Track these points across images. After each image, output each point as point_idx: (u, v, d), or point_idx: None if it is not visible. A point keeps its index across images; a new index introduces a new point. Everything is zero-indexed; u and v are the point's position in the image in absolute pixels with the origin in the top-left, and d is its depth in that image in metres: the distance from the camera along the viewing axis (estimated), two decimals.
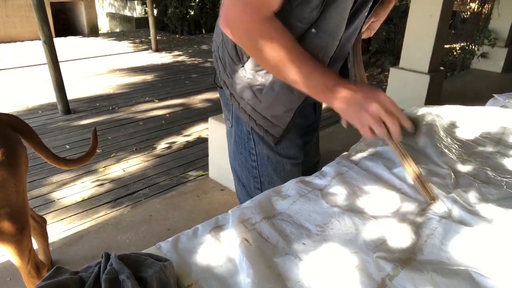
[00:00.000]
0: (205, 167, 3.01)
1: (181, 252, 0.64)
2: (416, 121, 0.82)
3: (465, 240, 0.65)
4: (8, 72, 6.41)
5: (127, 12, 12.66)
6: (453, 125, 1.18)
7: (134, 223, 2.17)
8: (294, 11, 0.80)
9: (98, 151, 3.31)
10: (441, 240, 0.66)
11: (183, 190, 2.57)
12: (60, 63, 4.41)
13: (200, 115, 4.61)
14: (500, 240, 0.65)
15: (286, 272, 0.59)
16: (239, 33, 0.82)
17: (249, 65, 0.93)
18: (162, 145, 3.82)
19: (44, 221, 1.78)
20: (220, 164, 2.52)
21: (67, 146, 3.74)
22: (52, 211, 2.69)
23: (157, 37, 8.52)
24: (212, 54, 1.07)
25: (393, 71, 3.77)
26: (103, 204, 2.79)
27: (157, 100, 5.19)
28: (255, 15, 0.78)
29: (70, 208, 2.74)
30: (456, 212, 0.73)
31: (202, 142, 3.84)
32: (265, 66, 0.87)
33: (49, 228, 1.88)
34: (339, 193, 0.79)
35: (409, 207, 0.75)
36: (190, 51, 8.50)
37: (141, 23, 11.50)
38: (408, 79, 3.63)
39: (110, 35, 10.70)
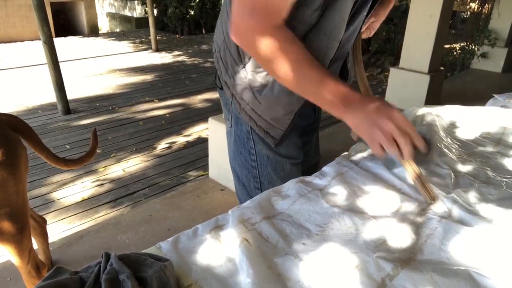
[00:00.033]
0: (205, 167, 3.01)
1: (181, 252, 0.64)
2: (429, 141, 0.81)
3: (465, 240, 0.65)
4: (8, 72, 6.41)
5: (127, 12, 12.66)
6: (453, 125, 1.18)
7: (134, 223, 2.17)
8: (295, 13, 0.80)
9: (98, 151, 3.31)
10: (441, 240, 0.66)
11: (183, 190, 2.57)
12: (60, 63, 4.41)
13: (200, 115, 4.61)
14: (500, 240, 0.65)
15: (286, 272, 0.59)
16: (249, 42, 0.80)
17: (250, 66, 0.93)
18: (162, 145, 3.83)
19: (44, 221, 1.78)
20: (220, 164, 2.52)
21: (67, 146, 3.74)
22: (52, 211, 2.69)
23: (157, 37, 8.52)
24: (213, 55, 1.07)
25: (393, 71, 3.77)
26: (103, 204, 2.79)
27: (157, 100, 5.19)
28: (264, 22, 0.77)
29: (70, 208, 2.74)
30: (456, 212, 0.73)
31: (202, 142, 3.84)
32: (276, 75, 0.84)
33: (49, 228, 1.88)
34: (339, 193, 0.79)
35: (409, 207, 0.75)
36: (190, 51, 8.50)
37: (141, 23, 11.50)
38: (408, 79, 3.63)
39: (110, 35, 10.70)
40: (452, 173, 0.87)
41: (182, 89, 5.75)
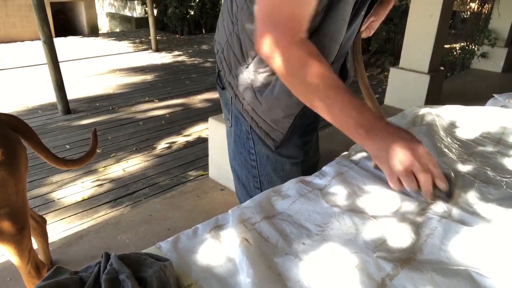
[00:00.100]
0: (205, 167, 3.01)
1: (181, 252, 0.64)
2: (451, 182, 0.78)
3: (465, 240, 0.65)
4: (8, 72, 6.41)
5: (127, 12, 12.66)
6: (453, 125, 1.18)
7: (134, 223, 2.17)
8: None
9: (98, 151, 3.31)
10: (441, 239, 0.66)
11: (183, 190, 2.57)
12: (60, 63, 4.41)
13: (200, 115, 4.62)
14: (500, 240, 0.65)
15: (286, 272, 0.59)
16: (273, 55, 0.77)
17: (253, 66, 0.93)
18: (162, 145, 3.83)
19: (44, 221, 1.78)
20: (220, 164, 2.52)
21: (67, 146, 3.74)
22: (52, 211, 2.69)
23: (157, 37, 8.53)
24: (216, 56, 1.06)
25: (393, 71, 3.78)
26: (103, 204, 2.79)
27: (157, 100, 5.19)
28: (289, 36, 0.75)
29: (70, 208, 2.74)
30: (456, 212, 0.73)
31: (202, 142, 3.84)
32: (296, 91, 0.81)
33: (49, 228, 1.88)
34: (339, 193, 0.79)
35: (409, 206, 0.75)
36: (190, 51, 8.51)
37: (141, 23, 11.50)
38: (408, 79, 3.63)
39: (110, 35, 10.70)
40: (452, 173, 0.87)
41: (182, 89, 5.75)
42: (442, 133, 1.09)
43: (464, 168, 0.92)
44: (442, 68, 3.79)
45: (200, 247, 0.64)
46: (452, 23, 8.15)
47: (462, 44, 5.74)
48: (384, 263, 0.59)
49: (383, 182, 0.81)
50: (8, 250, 1.38)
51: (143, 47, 8.71)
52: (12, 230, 1.34)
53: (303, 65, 0.75)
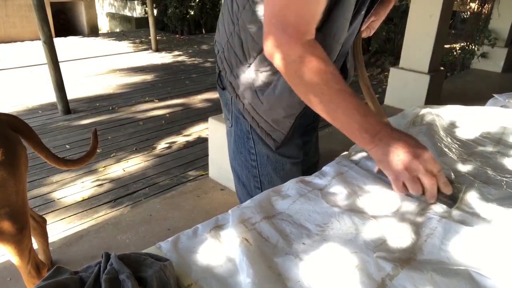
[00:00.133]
0: (205, 167, 3.01)
1: (181, 251, 0.64)
2: (456, 188, 0.78)
3: (465, 240, 0.65)
4: (8, 72, 6.41)
5: (127, 12, 12.67)
6: (453, 125, 1.18)
7: (134, 223, 2.17)
8: None
9: (98, 151, 3.31)
10: (441, 239, 0.66)
11: (183, 190, 2.57)
12: (60, 63, 4.41)
13: (200, 115, 4.62)
14: (500, 240, 0.65)
15: (286, 272, 0.59)
16: (281, 57, 0.77)
17: (254, 65, 0.93)
18: (162, 145, 3.83)
19: (44, 221, 1.78)
20: (220, 164, 2.52)
21: (67, 146, 3.74)
22: (52, 211, 2.69)
23: (157, 37, 8.53)
24: (216, 56, 1.06)
25: (393, 71, 3.78)
26: (103, 204, 2.79)
27: (157, 100, 5.19)
28: (297, 36, 0.75)
29: (70, 208, 2.74)
30: (456, 212, 0.73)
31: (202, 142, 3.84)
32: (300, 94, 0.81)
33: (49, 228, 1.88)
34: (339, 192, 0.79)
35: (409, 206, 0.75)
36: (190, 51, 8.51)
37: (141, 23, 11.51)
38: (408, 79, 3.63)
39: (110, 35, 10.70)
40: (452, 173, 0.87)
41: (182, 89, 5.75)
42: (442, 133, 1.09)
43: (464, 168, 0.92)
44: (442, 68, 3.79)
45: (200, 247, 0.64)
46: (452, 23, 8.16)
47: (462, 44, 5.75)
48: (384, 263, 0.59)
49: (383, 182, 0.81)
50: (8, 250, 1.38)
51: (143, 47, 8.71)
52: (12, 230, 1.34)
53: (309, 68, 0.75)
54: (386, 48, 6.95)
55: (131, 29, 11.69)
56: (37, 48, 7.28)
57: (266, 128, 1.00)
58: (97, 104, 4.96)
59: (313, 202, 0.75)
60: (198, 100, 5.26)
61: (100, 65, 6.98)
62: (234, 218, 0.69)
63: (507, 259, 0.61)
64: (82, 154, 1.71)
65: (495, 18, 4.74)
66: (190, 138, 4.01)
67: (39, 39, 4.28)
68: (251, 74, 0.95)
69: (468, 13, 6.85)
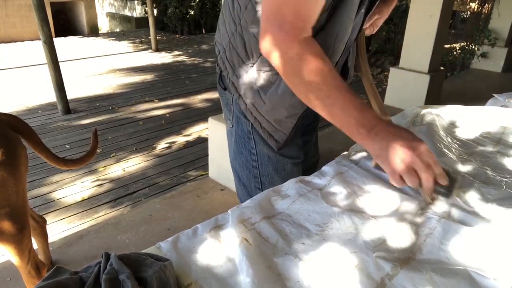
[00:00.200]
0: (205, 167, 3.01)
1: (180, 251, 0.64)
2: (452, 178, 0.78)
3: (465, 240, 0.65)
4: (8, 72, 6.41)
5: (127, 12, 12.67)
6: (453, 125, 1.18)
7: (134, 223, 2.17)
8: None
9: (98, 151, 3.31)
10: (440, 239, 0.66)
11: (183, 190, 2.57)
12: (60, 63, 4.41)
13: (200, 115, 4.62)
14: (500, 240, 0.65)
15: (286, 271, 0.59)
16: (277, 54, 0.77)
17: (257, 65, 0.93)
18: (162, 145, 3.83)
19: (44, 221, 1.78)
20: (220, 164, 2.52)
21: (67, 146, 3.74)
22: (52, 211, 2.69)
23: (157, 37, 8.53)
24: (217, 57, 1.06)
25: (393, 71, 3.78)
26: (103, 204, 2.80)
27: (157, 100, 5.19)
28: (293, 33, 0.75)
29: (70, 208, 2.74)
30: (456, 211, 0.73)
31: (202, 142, 3.84)
32: (298, 90, 0.81)
33: (49, 228, 1.88)
34: (338, 192, 0.79)
35: (409, 206, 0.75)
36: (190, 51, 8.51)
37: (141, 23, 11.50)
38: (408, 79, 3.63)
39: (110, 35, 10.70)
40: (450, 170, 0.87)
41: (182, 89, 5.75)
42: (442, 133, 1.09)
43: (464, 168, 0.92)
44: (442, 68, 3.79)
45: (200, 247, 0.65)
46: (452, 23, 8.16)
47: (462, 44, 5.75)
48: (384, 263, 0.59)
49: (383, 181, 0.82)
50: (8, 250, 1.38)
51: (143, 47, 8.71)
52: (12, 230, 1.34)
53: (306, 65, 0.75)
54: (386, 48, 6.95)
55: (131, 29, 11.69)
56: (37, 48, 7.28)
57: (268, 129, 1.00)
58: (97, 104, 4.97)
59: (312, 202, 0.76)
60: (198, 100, 5.26)
61: (100, 65, 6.98)
62: (233, 218, 0.69)
63: (506, 259, 0.61)
64: (82, 154, 1.71)
65: (495, 18, 4.73)
66: (190, 138, 4.01)
67: (39, 39, 4.28)
68: (254, 74, 0.95)
69: (468, 13, 6.85)
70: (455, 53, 5.96)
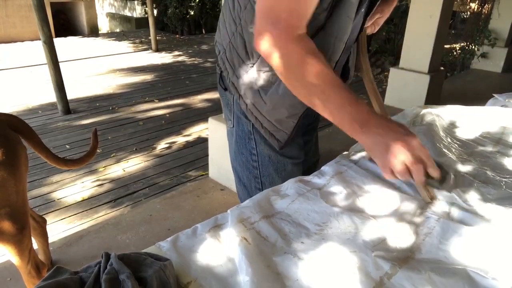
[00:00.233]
0: (205, 167, 3.01)
1: (180, 250, 0.64)
2: (444, 171, 0.79)
3: (464, 240, 0.65)
4: (8, 72, 6.41)
5: (127, 12, 12.67)
6: (453, 125, 1.18)
7: (134, 223, 2.17)
8: None
9: (98, 151, 3.31)
10: (439, 239, 0.66)
11: (183, 190, 2.57)
12: (60, 63, 4.41)
13: (200, 115, 4.62)
14: (499, 239, 0.65)
15: (285, 270, 0.59)
16: (271, 51, 0.77)
17: (257, 65, 0.93)
18: (162, 145, 3.83)
19: (44, 221, 1.79)
20: (220, 164, 2.52)
21: (67, 146, 3.74)
22: (52, 211, 2.69)
23: (157, 37, 8.53)
24: (218, 57, 1.06)
25: (393, 71, 3.78)
26: (103, 204, 2.80)
27: (157, 100, 5.19)
28: (288, 30, 0.75)
29: (70, 208, 2.74)
30: (455, 211, 0.74)
31: (202, 142, 3.84)
32: (293, 86, 0.82)
33: (49, 228, 1.88)
34: (338, 192, 0.79)
35: (408, 206, 0.75)
36: (190, 51, 8.51)
37: (141, 23, 11.50)
38: (408, 79, 3.63)
39: (110, 35, 10.71)
40: (451, 173, 0.87)
41: (182, 89, 5.75)
42: (442, 133, 1.09)
43: (463, 168, 0.92)
44: (442, 68, 3.79)
45: (199, 246, 0.65)
46: (452, 23, 8.16)
47: (462, 44, 5.75)
48: (382, 262, 0.59)
49: (382, 181, 0.82)
50: (8, 250, 1.38)
51: (143, 47, 8.71)
52: (12, 230, 1.34)
53: (300, 62, 0.76)
54: (386, 48, 6.95)
55: (131, 29, 11.69)
56: (37, 48, 7.28)
57: (269, 128, 1.00)
58: (97, 104, 4.97)
59: (312, 201, 0.76)
60: (198, 100, 5.26)
61: (100, 65, 6.98)
62: (233, 218, 0.69)
63: (505, 258, 0.61)
64: (82, 154, 1.71)
65: (495, 18, 4.73)
66: (190, 138, 4.01)
67: (39, 39, 4.28)
68: (254, 74, 0.95)
69: (468, 13, 6.85)
70: (455, 53, 5.96)
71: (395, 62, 5.93)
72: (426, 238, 0.66)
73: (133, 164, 3.43)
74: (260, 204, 0.74)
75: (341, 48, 0.87)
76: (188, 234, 0.68)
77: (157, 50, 8.36)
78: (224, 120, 1.18)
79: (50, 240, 1.87)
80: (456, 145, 1.05)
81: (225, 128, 1.17)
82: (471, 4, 6.26)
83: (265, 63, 0.92)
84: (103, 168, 3.33)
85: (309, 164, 1.23)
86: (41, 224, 1.76)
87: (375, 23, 1.10)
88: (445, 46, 5.01)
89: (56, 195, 2.90)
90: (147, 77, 6.34)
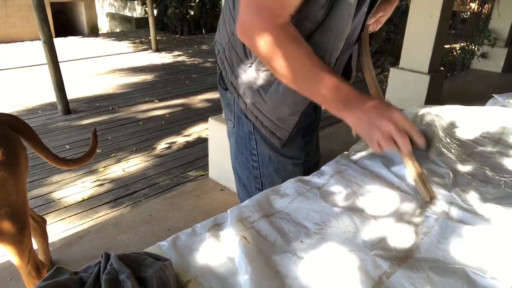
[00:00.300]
0: (205, 167, 3.01)
1: (180, 249, 0.64)
2: (429, 137, 0.82)
3: (462, 239, 0.66)
4: (8, 72, 6.41)
5: (127, 12, 12.66)
6: (452, 125, 1.18)
7: (134, 223, 2.17)
8: (301, 9, 0.80)
9: (98, 151, 3.31)
10: (438, 238, 0.66)
11: (183, 190, 2.57)
12: (60, 63, 4.41)
13: (200, 115, 4.61)
14: (498, 239, 0.65)
15: (284, 269, 0.60)
16: (254, 40, 0.80)
17: (256, 64, 0.93)
18: (162, 145, 3.83)
19: (44, 221, 1.79)
20: (220, 164, 2.52)
21: (67, 146, 3.74)
22: (52, 211, 2.69)
23: (157, 37, 8.53)
24: (217, 56, 1.06)
25: (393, 71, 3.77)
26: (103, 204, 2.79)
27: (157, 100, 5.19)
28: (270, 20, 0.77)
29: (70, 208, 2.74)
30: (454, 210, 0.74)
31: (202, 142, 3.84)
32: (277, 72, 0.85)
33: (49, 228, 1.88)
34: (337, 191, 0.79)
35: (407, 205, 0.75)
36: (190, 51, 8.51)
37: (141, 23, 11.50)
38: (408, 79, 3.63)
39: (110, 35, 10.70)
40: (450, 172, 0.87)
41: (182, 89, 5.75)
42: (441, 133, 1.09)
43: (463, 168, 0.92)
44: (442, 68, 3.79)
45: (199, 245, 0.65)
46: (452, 23, 8.16)
47: (462, 44, 5.75)
48: (381, 261, 0.59)
49: (382, 180, 0.82)
50: (8, 250, 1.38)
51: (143, 47, 8.71)
52: (13, 230, 1.34)
53: (282, 48, 0.78)
54: (386, 48, 6.95)
55: (131, 29, 11.68)
56: (37, 48, 7.27)
57: (270, 127, 1.00)
58: (97, 104, 4.96)
59: (311, 200, 0.76)
60: (198, 100, 5.26)
61: (100, 65, 6.98)
62: (232, 217, 0.70)
63: (504, 257, 0.61)
64: (82, 154, 1.71)
65: (495, 18, 4.73)
66: (190, 138, 4.01)
67: (39, 39, 4.27)
68: (253, 74, 0.95)
69: (468, 13, 6.85)
70: (455, 53, 5.96)
71: (395, 62, 5.93)
72: (425, 237, 0.66)
73: (133, 164, 3.43)
74: (260, 204, 0.74)
75: (341, 44, 0.87)
76: (188, 233, 0.68)
77: (157, 50, 8.36)
78: (224, 120, 1.18)
79: (50, 240, 1.87)
80: (455, 145, 1.05)
81: (225, 128, 1.17)
82: (471, 4, 6.26)
83: (263, 62, 0.92)
84: (103, 168, 3.33)
85: (310, 164, 1.23)
86: (41, 224, 1.76)
87: (377, 21, 1.10)
88: (445, 46, 5.01)
89: (56, 195, 2.90)
90: (147, 77, 6.34)
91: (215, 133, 2.44)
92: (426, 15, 3.36)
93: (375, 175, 0.84)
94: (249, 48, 0.93)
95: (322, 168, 0.89)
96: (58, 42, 7.27)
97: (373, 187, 0.80)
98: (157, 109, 4.87)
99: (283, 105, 0.95)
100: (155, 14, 9.66)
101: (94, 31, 10.51)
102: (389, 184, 0.82)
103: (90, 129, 3.78)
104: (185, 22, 11.04)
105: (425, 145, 0.76)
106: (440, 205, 0.75)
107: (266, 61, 0.84)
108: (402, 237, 0.66)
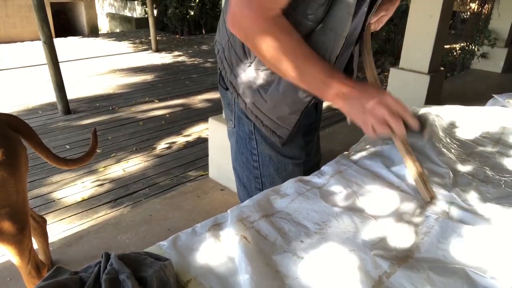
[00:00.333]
0: (205, 167, 3.01)
1: (180, 249, 0.64)
2: (423, 119, 0.83)
3: (462, 239, 0.66)
4: (8, 72, 6.41)
5: (127, 13, 12.66)
6: (452, 125, 1.18)
7: (134, 223, 2.17)
8: (300, 7, 0.81)
9: (98, 151, 3.31)
10: (438, 238, 0.66)
11: (183, 190, 2.57)
12: (60, 63, 4.41)
13: (200, 115, 4.61)
14: (498, 238, 0.65)
15: (284, 269, 0.60)
16: (245, 31, 0.81)
17: (255, 64, 0.93)
18: (162, 145, 3.83)
19: (44, 221, 1.79)
20: (220, 164, 2.52)
21: (67, 146, 3.74)
22: (52, 211, 2.69)
23: (157, 38, 8.52)
24: (216, 56, 1.07)
25: (393, 71, 3.77)
26: (103, 204, 2.79)
27: (157, 100, 5.19)
28: (261, 12, 0.78)
29: (70, 208, 2.74)
30: (454, 210, 0.74)
31: (202, 142, 3.84)
32: (270, 64, 0.86)
33: (49, 228, 1.88)
34: (337, 191, 0.79)
35: (407, 205, 0.75)
36: (190, 51, 8.51)
37: (141, 23, 11.50)
38: (408, 79, 3.63)
39: (110, 35, 10.70)
40: (450, 172, 0.87)
41: (182, 89, 5.75)
42: (441, 133, 1.09)
43: (463, 167, 0.92)
44: (442, 68, 3.79)
45: (199, 245, 0.65)
46: (452, 23, 8.16)
47: (462, 44, 5.75)
48: (382, 261, 0.59)
49: (382, 180, 0.82)
50: (8, 250, 1.38)
51: (143, 48, 8.71)
52: (13, 230, 1.34)
53: (273, 40, 0.79)
54: (386, 49, 6.95)
55: (131, 30, 11.68)
56: (37, 48, 7.27)
57: (271, 126, 1.00)
58: (97, 104, 4.96)
59: (311, 200, 0.76)
60: (198, 100, 5.26)
61: (100, 65, 6.98)
62: (232, 217, 0.70)
63: (504, 257, 0.61)
64: (82, 154, 1.71)
65: (495, 18, 4.73)
66: (190, 138, 4.01)
67: (39, 39, 4.27)
68: (252, 73, 0.95)
69: (468, 13, 6.85)
70: (455, 53, 5.97)
71: (395, 62, 5.93)
72: (425, 237, 0.66)
73: (133, 164, 3.43)
74: (260, 204, 0.74)
75: (341, 44, 0.87)
76: (188, 233, 0.68)
77: (157, 50, 8.35)
78: (224, 120, 1.18)
79: (50, 240, 1.87)
80: (456, 145, 1.05)
81: (225, 128, 1.17)
82: (471, 4, 6.26)
83: (263, 62, 0.92)
84: (103, 168, 3.32)
85: (310, 164, 1.23)
86: (41, 224, 1.76)
87: (379, 21, 1.10)
88: (445, 46, 5.01)
89: (56, 195, 2.90)
90: (147, 77, 6.34)
91: (215, 133, 2.44)
92: (426, 15, 3.36)
93: (375, 175, 0.84)
94: (248, 47, 0.93)
95: (322, 168, 0.89)
96: (58, 42, 7.27)
97: (373, 187, 0.80)
98: (157, 109, 4.87)
99: (283, 104, 0.95)
100: (155, 14, 9.66)
101: (94, 31, 10.51)
102: (389, 184, 0.82)
103: (90, 129, 3.77)
104: (185, 22, 11.04)
105: (419, 127, 0.77)
106: (440, 205, 0.75)
107: (257, 51, 0.85)
108: (402, 237, 0.66)
